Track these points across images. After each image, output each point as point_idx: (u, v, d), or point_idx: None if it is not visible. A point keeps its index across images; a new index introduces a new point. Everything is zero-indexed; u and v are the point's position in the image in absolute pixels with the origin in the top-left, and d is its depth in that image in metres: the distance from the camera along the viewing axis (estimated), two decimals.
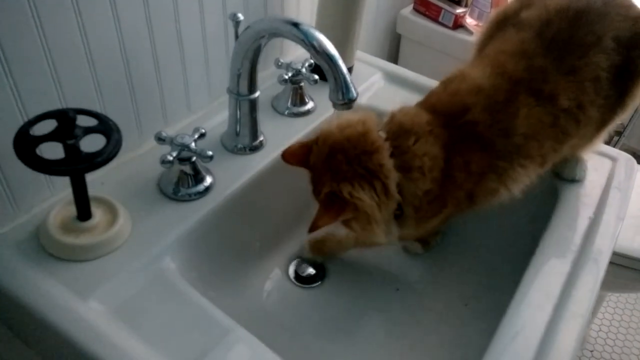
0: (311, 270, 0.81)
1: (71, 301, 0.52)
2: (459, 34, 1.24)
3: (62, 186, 0.63)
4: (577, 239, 0.69)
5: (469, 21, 1.25)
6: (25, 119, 0.54)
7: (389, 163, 0.62)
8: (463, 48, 1.23)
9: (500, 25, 0.75)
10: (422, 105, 0.69)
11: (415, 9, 1.30)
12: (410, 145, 0.63)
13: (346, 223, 0.66)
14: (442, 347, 0.72)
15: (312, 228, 0.62)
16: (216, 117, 0.79)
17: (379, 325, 0.75)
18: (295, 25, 0.60)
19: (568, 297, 0.61)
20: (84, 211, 0.56)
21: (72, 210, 0.59)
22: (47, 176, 0.60)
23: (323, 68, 0.59)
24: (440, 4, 1.25)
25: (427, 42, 1.28)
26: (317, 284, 0.80)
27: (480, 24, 1.23)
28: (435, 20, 1.26)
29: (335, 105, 0.60)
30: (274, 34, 0.62)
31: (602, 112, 0.69)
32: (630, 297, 1.73)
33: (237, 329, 0.54)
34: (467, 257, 0.82)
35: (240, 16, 0.64)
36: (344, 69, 0.59)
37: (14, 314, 0.56)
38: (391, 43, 1.35)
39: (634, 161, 0.83)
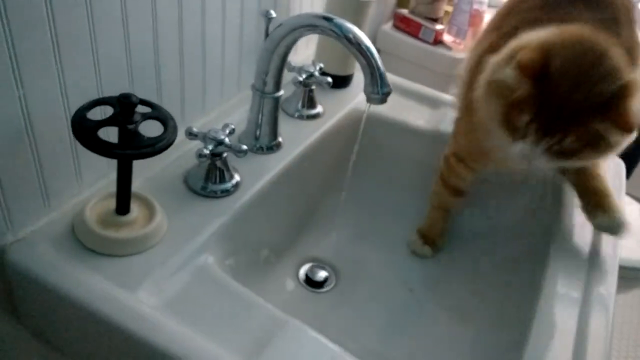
0: (323, 274, 0.81)
1: (122, 295, 0.50)
2: (440, 49, 1.30)
3: (91, 183, 0.60)
4: (589, 228, 0.72)
5: (447, 38, 1.32)
6: (67, 108, 0.52)
7: None
8: (443, 62, 1.29)
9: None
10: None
11: (395, 26, 1.35)
12: None
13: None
14: (463, 344, 0.73)
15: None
16: (228, 118, 0.78)
17: (396, 326, 0.76)
18: (328, 19, 0.61)
19: (592, 285, 0.64)
20: (124, 204, 0.54)
21: (107, 205, 0.56)
22: (78, 172, 0.58)
23: (359, 61, 0.61)
24: (420, 21, 1.31)
25: (407, 56, 1.33)
26: (329, 287, 0.80)
27: (458, 41, 1.30)
28: (415, 36, 1.32)
29: (370, 99, 0.62)
30: (308, 29, 0.63)
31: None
32: None
33: (292, 320, 0.53)
34: (477, 253, 0.84)
35: (273, 13, 0.65)
36: (380, 62, 0.60)
37: (58, 312, 0.52)
38: None
39: (622, 162, 0.90)
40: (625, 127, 0.57)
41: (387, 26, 1.36)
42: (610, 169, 0.86)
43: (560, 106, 0.58)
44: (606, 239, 0.71)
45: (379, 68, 0.60)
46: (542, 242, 0.73)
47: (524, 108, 0.59)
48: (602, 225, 0.69)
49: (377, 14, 1.34)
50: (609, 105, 0.57)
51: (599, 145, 0.59)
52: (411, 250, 0.85)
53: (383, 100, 0.62)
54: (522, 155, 0.62)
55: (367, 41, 0.60)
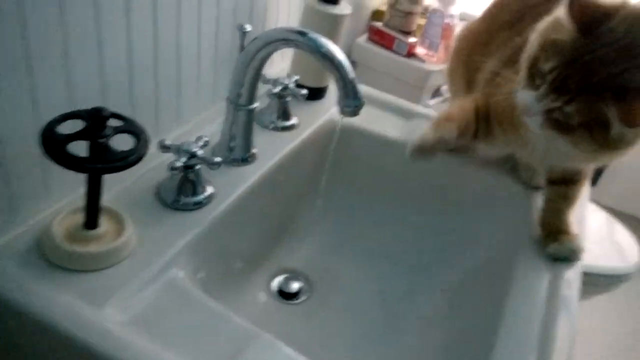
0: (296, 285, 0.81)
1: (89, 312, 0.49)
2: (413, 62, 1.31)
3: (59, 196, 0.59)
4: None
5: (420, 51, 1.34)
6: (38, 121, 0.51)
7: None
8: (416, 75, 1.31)
9: None
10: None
11: (370, 38, 1.37)
12: None
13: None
14: (434, 352, 0.74)
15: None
16: (204, 130, 0.78)
17: (369, 337, 0.76)
18: (303, 34, 0.62)
19: (556, 292, 0.65)
20: (93, 218, 0.53)
21: (75, 219, 0.55)
22: (46, 186, 0.57)
23: (333, 75, 0.61)
24: (394, 34, 1.32)
25: (381, 68, 1.34)
26: (303, 299, 0.80)
27: (430, 53, 1.32)
28: (389, 49, 1.33)
29: (343, 112, 0.62)
30: (282, 43, 0.63)
31: None
32: None
33: (262, 334, 0.53)
34: (448, 262, 0.85)
35: (248, 27, 0.65)
36: (352, 75, 0.61)
37: (22, 332, 0.51)
38: None
39: None
40: (629, 123, 0.52)
41: (362, 39, 1.37)
42: None
43: (589, 69, 0.53)
44: None
45: (351, 82, 0.61)
46: (510, 250, 0.75)
47: (555, 53, 0.55)
48: (553, 255, 0.71)
49: (352, 27, 1.35)
50: (632, 96, 0.52)
51: (593, 132, 0.55)
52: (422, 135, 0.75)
53: (355, 112, 0.62)
54: (524, 107, 0.59)
55: (339, 55, 0.61)
